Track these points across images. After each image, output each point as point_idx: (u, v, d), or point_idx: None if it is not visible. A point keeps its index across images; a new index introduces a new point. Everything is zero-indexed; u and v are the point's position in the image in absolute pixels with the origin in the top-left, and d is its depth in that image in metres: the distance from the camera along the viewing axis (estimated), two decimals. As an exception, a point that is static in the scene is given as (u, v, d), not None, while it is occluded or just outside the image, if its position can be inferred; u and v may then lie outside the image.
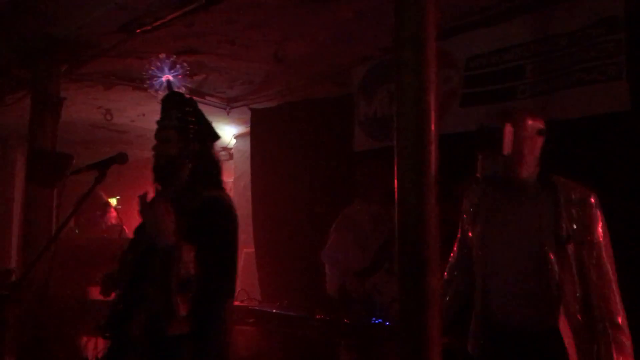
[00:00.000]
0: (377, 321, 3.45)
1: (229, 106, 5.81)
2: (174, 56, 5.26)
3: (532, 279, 2.20)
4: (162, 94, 5.08)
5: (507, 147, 2.18)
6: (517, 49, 3.60)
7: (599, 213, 2.26)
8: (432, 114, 1.78)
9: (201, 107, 6.23)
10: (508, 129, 2.17)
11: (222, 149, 7.06)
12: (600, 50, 3.17)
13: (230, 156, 6.97)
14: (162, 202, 2.30)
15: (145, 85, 5.41)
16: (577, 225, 2.21)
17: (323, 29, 4.06)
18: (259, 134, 5.81)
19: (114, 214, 5.36)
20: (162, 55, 4.55)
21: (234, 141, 6.92)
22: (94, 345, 4.45)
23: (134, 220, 6.35)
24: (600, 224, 2.24)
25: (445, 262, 2.46)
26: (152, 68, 5.16)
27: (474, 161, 3.71)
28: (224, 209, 2.47)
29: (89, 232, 5.25)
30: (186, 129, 2.56)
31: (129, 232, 5.35)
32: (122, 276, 2.58)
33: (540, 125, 2.29)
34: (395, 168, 1.80)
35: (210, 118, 6.70)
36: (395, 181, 1.79)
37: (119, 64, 4.73)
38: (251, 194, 5.80)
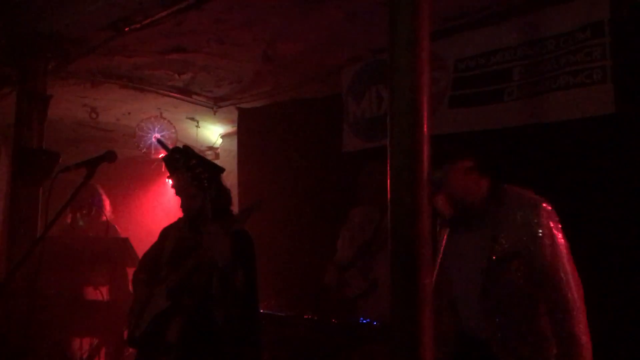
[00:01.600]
0: (365, 321, 3.47)
1: (216, 105, 5.79)
2: (158, 113, 5.35)
3: (481, 297, 2.43)
4: (153, 152, 5.19)
5: (447, 188, 2.50)
6: (505, 52, 3.64)
7: (549, 222, 2.38)
8: (425, 115, 1.80)
9: (188, 105, 6.26)
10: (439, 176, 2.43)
11: (208, 148, 7.05)
12: (587, 53, 3.22)
13: (217, 155, 6.95)
14: (221, 231, 2.86)
15: (139, 149, 5.46)
16: (523, 238, 2.38)
17: (313, 30, 4.06)
18: (246, 133, 5.80)
19: (107, 208, 5.32)
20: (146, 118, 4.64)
21: (220, 140, 6.90)
22: (79, 346, 4.43)
23: (120, 219, 6.30)
24: (549, 233, 2.37)
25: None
26: (139, 132, 5.21)
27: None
28: (250, 240, 3.11)
29: (87, 226, 5.20)
30: (201, 180, 3.01)
31: (120, 230, 5.33)
32: (139, 293, 3.06)
33: (469, 163, 2.56)
34: (389, 168, 1.82)
35: (197, 117, 6.71)
36: (389, 181, 1.81)
37: (106, 62, 4.70)
38: (238, 193, 5.79)
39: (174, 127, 5.90)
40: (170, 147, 3.35)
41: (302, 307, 4.10)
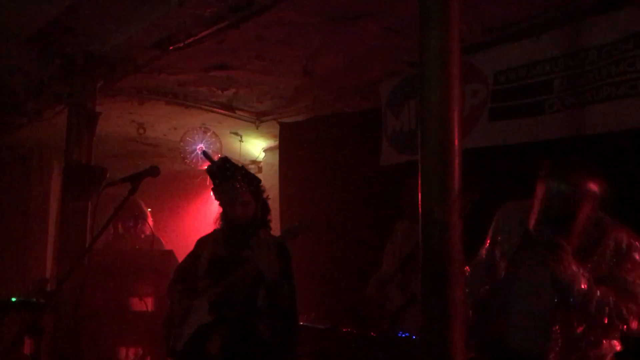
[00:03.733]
0: (403, 335, 3.45)
1: (258, 120, 5.90)
2: (203, 126, 5.48)
3: (552, 314, 2.29)
4: (200, 163, 5.34)
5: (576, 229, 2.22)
6: (546, 63, 3.59)
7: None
8: (456, 129, 1.80)
9: (231, 121, 6.38)
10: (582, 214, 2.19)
11: (251, 162, 7.16)
12: (630, 64, 3.15)
13: (259, 169, 7.06)
14: (267, 244, 2.92)
15: (184, 161, 5.61)
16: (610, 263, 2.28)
17: (351, 44, 4.11)
18: (287, 147, 5.88)
19: (151, 221, 5.47)
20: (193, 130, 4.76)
21: (262, 154, 7.01)
22: (125, 355, 4.56)
23: (165, 232, 6.47)
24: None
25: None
26: (185, 144, 5.32)
27: (501, 175, 3.71)
28: (290, 254, 3.12)
29: (126, 240, 5.37)
30: (257, 188, 3.12)
31: (164, 242, 5.47)
32: (176, 303, 3.09)
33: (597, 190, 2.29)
34: (420, 183, 1.83)
35: (240, 131, 6.83)
36: (420, 196, 1.82)
37: (152, 79, 4.87)
38: (279, 207, 5.86)
39: (219, 140, 6.00)
40: (215, 159, 3.36)
41: (341, 320, 4.10)
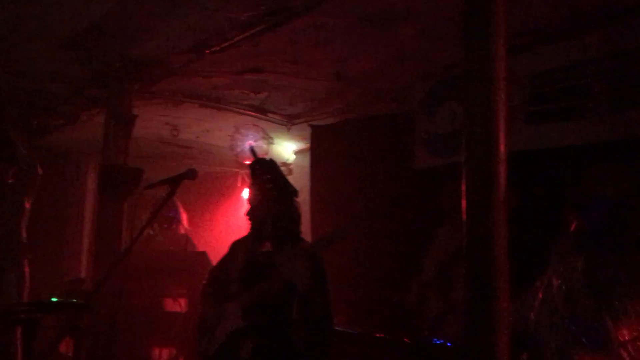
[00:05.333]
0: (438, 342, 3.40)
1: (289, 123, 5.91)
2: (255, 125, 5.48)
3: None
4: (247, 157, 5.38)
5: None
6: (585, 66, 3.52)
7: None
8: (501, 133, 1.77)
9: (263, 123, 6.38)
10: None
11: (282, 164, 7.18)
12: (675, 66, 3.07)
13: (290, 172, 7.07)
14: (299, 254, 2.91)
15: (232, 152, 5.65)
16: None
17: (385, 47, 4.09)
18: (318, 150, 5.87)
19: (184, 223, 5.52)
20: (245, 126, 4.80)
21: (293, 157, 7.02)
22: (159, 355, 4.60)
23: (198, 234, 6.50)
24: None
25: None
26: (235, 138, 5.36)
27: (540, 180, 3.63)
28: (324, 263, 3.09)
29: (160, 241, 5.43)
30: (267, 196, 3.07)
31: (197, 244, 5.52)
32: (208, 307, 3.10)
33: None
34: (464, 188, 1.79)
35: (271, 134, 6.84)
36: (464, 201, 1.79)
37: (186, 82, 4.91)
38: (310, 209, 5.85)
39: (269, 141, 6.02)
40: (263, 157, 3.42)
41: (375, 325, 4.07)
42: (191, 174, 2.79)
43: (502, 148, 1.77)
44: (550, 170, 3.70)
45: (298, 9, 3.33)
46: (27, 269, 3.83)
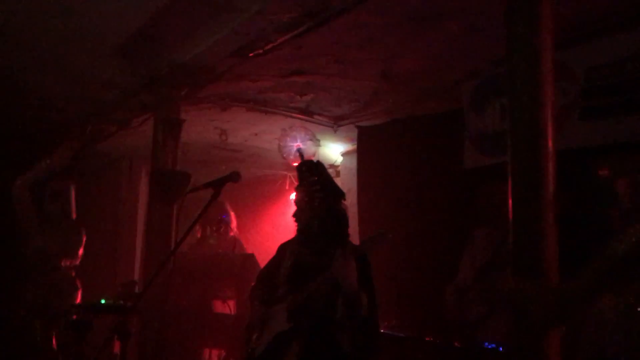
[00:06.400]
0: (490, 346, 3.30)
1: (336, 124, 5.89)
2: (302, 127, 5.48)
3: None
4: (295, 159, 5.39)
5: None
6: (644, 58, 3.35)
7: None
8: (549, 130, 1.69)
9: (310, 125, 6.38)
10: None
11: (330, 166, 7.16)
12: None
13: (337, 173, 7.04)
14: (345, 256, 2.86)
15: (280, 154, 5.68)
16: None
17: (431, 45, 4.01)
18: (365, 151, 5.82)
19: (235, 225, 5.59)
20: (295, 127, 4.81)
21: (340, 159, 6.99)
22: (209, 357, 4.65)
23: (247, 236, 6.55)
24: None
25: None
26: (282, 141, 5.37)
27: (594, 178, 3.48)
28: (370, 264, 3.05)
29: (210, 243, 5.51)
30: (313, 198, 3.07)
31: (246, 246, 5.57)
32: (256, 308, 3.12)
33: None
34: (510, 187, 1.72)
35: (318, 135, 6.83)
36: (510, 201, 1.72)
37: (233, 86, 4.96)
38: (357, 211, 5.81)
39: (317, 144, 6.01)
40: (310, 159, 3.45)
41: (424, 328, 4.00)
42: (234, 177, 2.81)
43: (550, 144, 1.69)
44: (604, 168, 3.54)
45: (338, 8, 3.30)
46: (59, 276, 3.94)
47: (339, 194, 3.21)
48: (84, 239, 4.54)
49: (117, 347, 4.70)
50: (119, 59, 4.24)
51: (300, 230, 3.17)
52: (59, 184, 4.41)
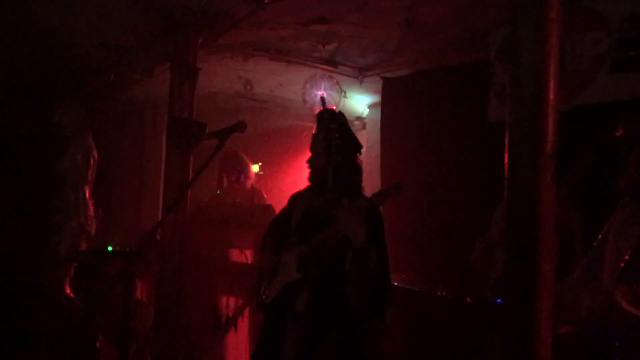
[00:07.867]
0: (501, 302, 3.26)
1: (361, 75, 5.75)
2: (328, 76, 5.33)
3: None
4: (318, 107, 5.30)
5: None
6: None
7: None
8: (551, 84, 1.57)
9: (335, 76, 6.22)
10: None
11: (356, 118, 7.04)
12: None
13: (364, 126, 6.93)
14: (354, 208, 2.87)
15: (304, 103, 5.56)
16: None
17: (457, -9, 3.82)
18: (390, 103, 5.70)
19: (252, 176, 5.59)
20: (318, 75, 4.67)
21: (367, 111, 6.86)
22: (226, 304, 4.75)
23: (272, 187, 6.55)
24: None
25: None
26: (307, 87, 5.22)
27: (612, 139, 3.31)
28: (381, 217, 3.03)
29: (232, 193, 5.55)
30: (330, 145, 3.02)
31: (267, 197, 5.59)
32: (266, 257, 3.14)
33: None
34: (506, 141, 1.63)
35: (343, 87, 6.68)
36: (506, 156, 1.62)
37: (254, 35, 4.86)
38: (380, 164, 5.73)
39: (342, 95, 5.89)
40: (332, 108, 3.40)
41: (440, 283, 3.97)
42: (240, 127, 2.79)
43: (551, 96, 1.57)
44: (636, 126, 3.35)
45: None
46: (87, 221, 3.98)
47: (357, 146, 3.16)
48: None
49: (139, 293, 4.83)
50: (138, 4, 4.18)
51: (312, 178, 3.14)
52: None
